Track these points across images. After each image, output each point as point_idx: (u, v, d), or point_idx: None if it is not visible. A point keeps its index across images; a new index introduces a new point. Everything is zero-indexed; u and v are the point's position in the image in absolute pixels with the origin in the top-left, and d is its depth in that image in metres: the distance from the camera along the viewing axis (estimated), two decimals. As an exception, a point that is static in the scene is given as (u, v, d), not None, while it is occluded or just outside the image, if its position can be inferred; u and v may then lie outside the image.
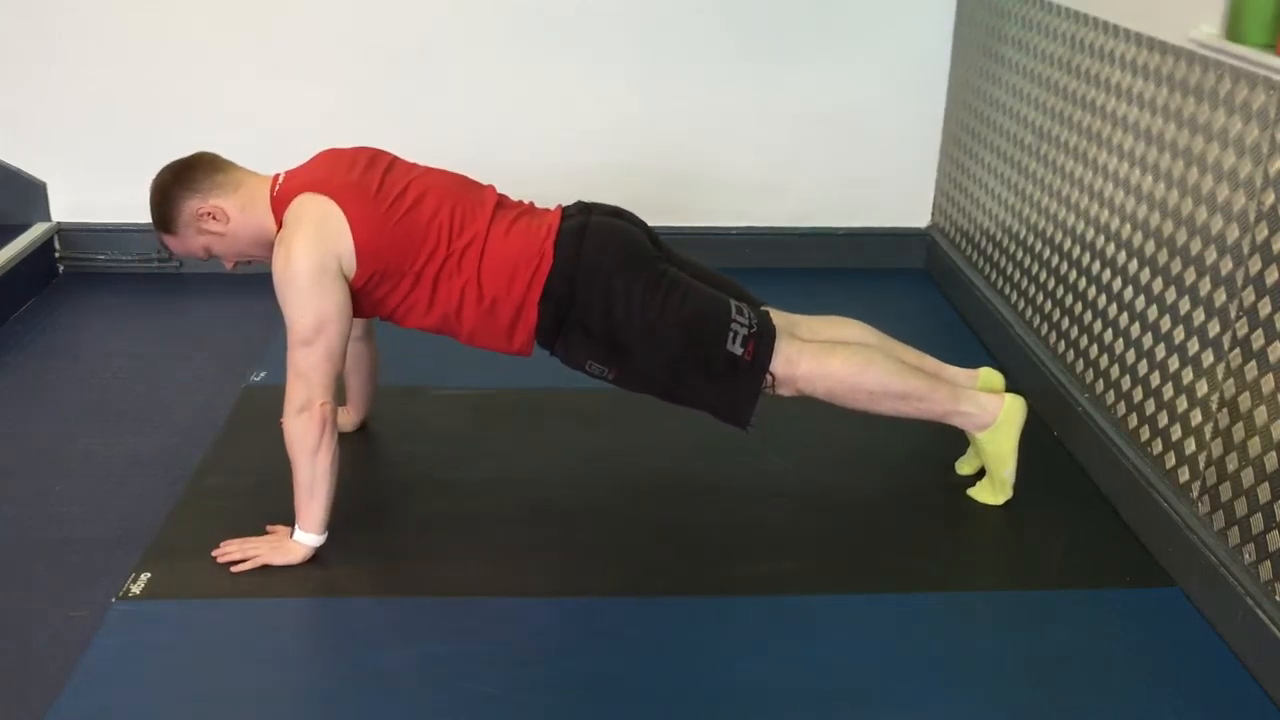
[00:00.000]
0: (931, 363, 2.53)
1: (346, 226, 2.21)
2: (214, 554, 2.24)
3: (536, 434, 2.75)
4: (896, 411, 2.39)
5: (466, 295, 2.27)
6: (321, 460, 2.17)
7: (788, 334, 2.36)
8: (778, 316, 2.42)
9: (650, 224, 2.24)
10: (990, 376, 2.55)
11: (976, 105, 3.43)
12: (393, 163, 2.36)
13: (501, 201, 2.37)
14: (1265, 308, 2.02)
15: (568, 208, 2.40)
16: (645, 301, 2.26)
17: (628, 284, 2.26)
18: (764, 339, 2.31)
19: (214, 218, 2.28)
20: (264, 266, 2.21)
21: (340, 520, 2.26)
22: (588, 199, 2.45)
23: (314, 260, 2.18)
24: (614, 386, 2.39)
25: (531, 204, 2.42)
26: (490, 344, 2.36)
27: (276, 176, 2.32)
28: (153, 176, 2.33)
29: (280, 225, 2.25)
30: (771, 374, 2.31)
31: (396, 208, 2.25)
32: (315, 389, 2.16)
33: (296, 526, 2.22)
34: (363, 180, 2.27)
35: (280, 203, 2.26)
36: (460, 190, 2.34)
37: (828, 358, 2.34)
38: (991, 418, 2.41)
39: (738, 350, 2.28)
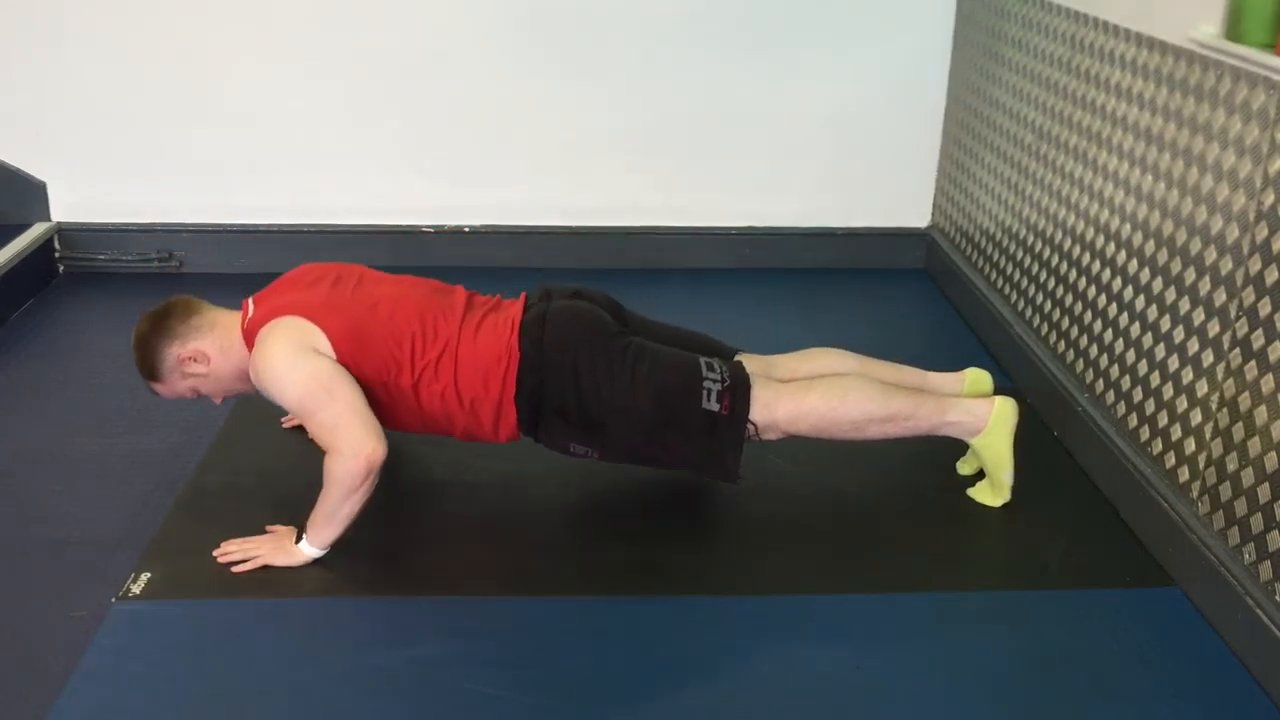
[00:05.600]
0: (913, 375, 2.52)
1: (324, 337, 2.22)
2: (214, 554, 2.24)
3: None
4: (885, 434, 2.38)
5: (447, 400, 2.29)
6: (353, 502, 2.17)
7: (763, 379, 2.36)
8: (753, 361, 2.43)
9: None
10: (977, 377, 2.55)
11: (976, 105, 3.43)
12: (361, 277, 2.37)
13: (470, 302, 2.38)
14: (1265, 308, 2.02)
15: (530, 296, 2.41)
16: (613, 377, 2.26)
17: (592, 363, 2.26)
18: (739, 390, 2.30)
19: (195, 360, 2.31)
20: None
21: (340, 520, 2.25)
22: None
23: (292, 343, 2.20)
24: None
25: (499, 298, 2.42)
26: (479, 439, 2.38)
27: (246, 305, 2.33)
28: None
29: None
30: (752, 423, 2.31)
31: (370, 321, 2.26)
32: (359, 438, 2.13)
33: (304, 536, 2.22)
34: (332, 296, 2.29)
35: (252, 332, 2.27)
36: (429, 298, 2.34)
37: (805, 395, 2.34)
38: (983, 422, 2.40)
39: (713, 407, 2.27)
